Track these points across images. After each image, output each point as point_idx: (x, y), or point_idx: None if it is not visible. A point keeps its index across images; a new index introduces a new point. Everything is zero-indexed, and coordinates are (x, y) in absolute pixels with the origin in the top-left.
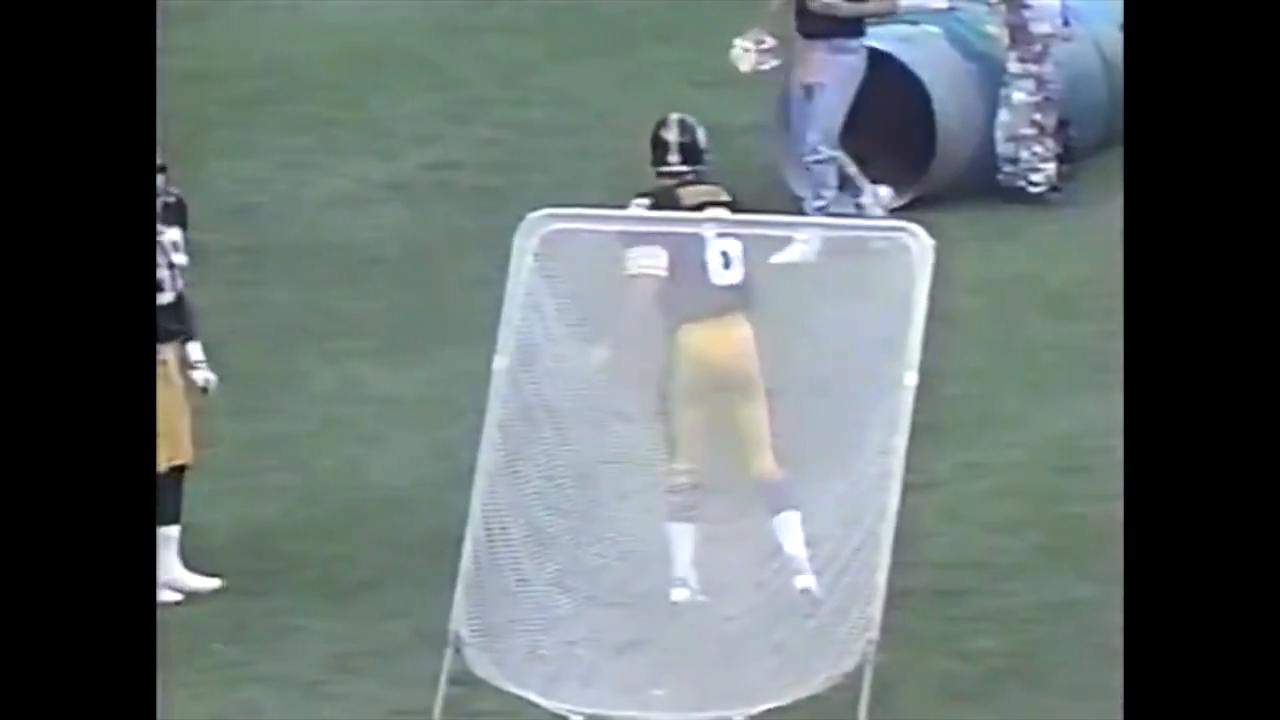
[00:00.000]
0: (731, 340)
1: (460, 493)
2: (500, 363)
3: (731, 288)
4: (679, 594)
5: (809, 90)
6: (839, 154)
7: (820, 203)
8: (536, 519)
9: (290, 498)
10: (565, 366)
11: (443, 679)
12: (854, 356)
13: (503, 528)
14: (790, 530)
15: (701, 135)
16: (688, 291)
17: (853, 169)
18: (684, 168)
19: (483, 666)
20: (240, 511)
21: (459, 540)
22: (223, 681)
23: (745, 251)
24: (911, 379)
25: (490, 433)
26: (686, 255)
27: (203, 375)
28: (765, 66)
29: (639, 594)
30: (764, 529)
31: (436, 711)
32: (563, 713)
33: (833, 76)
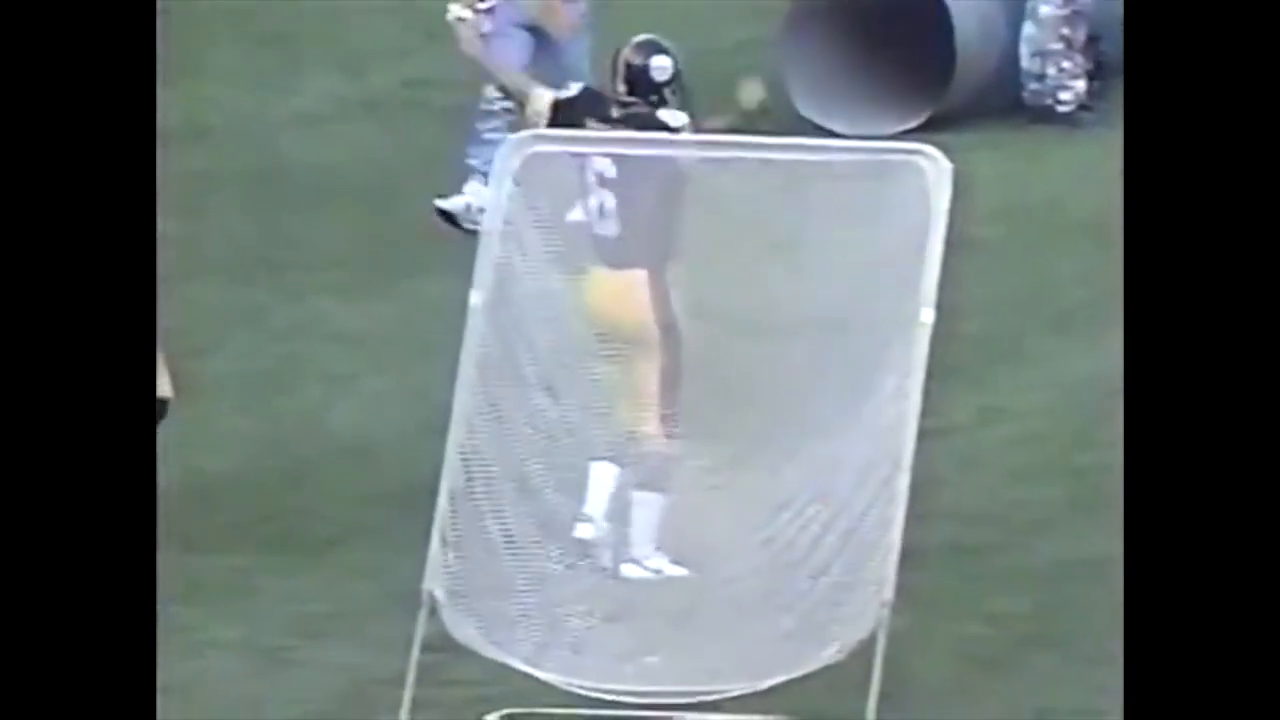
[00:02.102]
0: (610, 292)
1: (435, 439)
2: (477, 297)
3: (609, 240)
4: (584, 530)
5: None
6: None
7: (476, 161)
8: (520, 468)
9: (248, 445)
10: (549, 302)
11: (416, 644)
12: (864, 292)
13: (483, 478)
14: (645, 514)
15: (663, 64)
16: (581, 237)
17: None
18: (629, 97)
19: (461, 630)
20: (192, 461)
21: (434, 492)
22: (175, 647)
23: (625, 205)
24: (928, 316)
25: (467, 373)
26: (577, 198)
27: None
28: (486, 29)
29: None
30: (769, 481)
31: (409, 679)
32: (551, 682)
33: (505, 20)
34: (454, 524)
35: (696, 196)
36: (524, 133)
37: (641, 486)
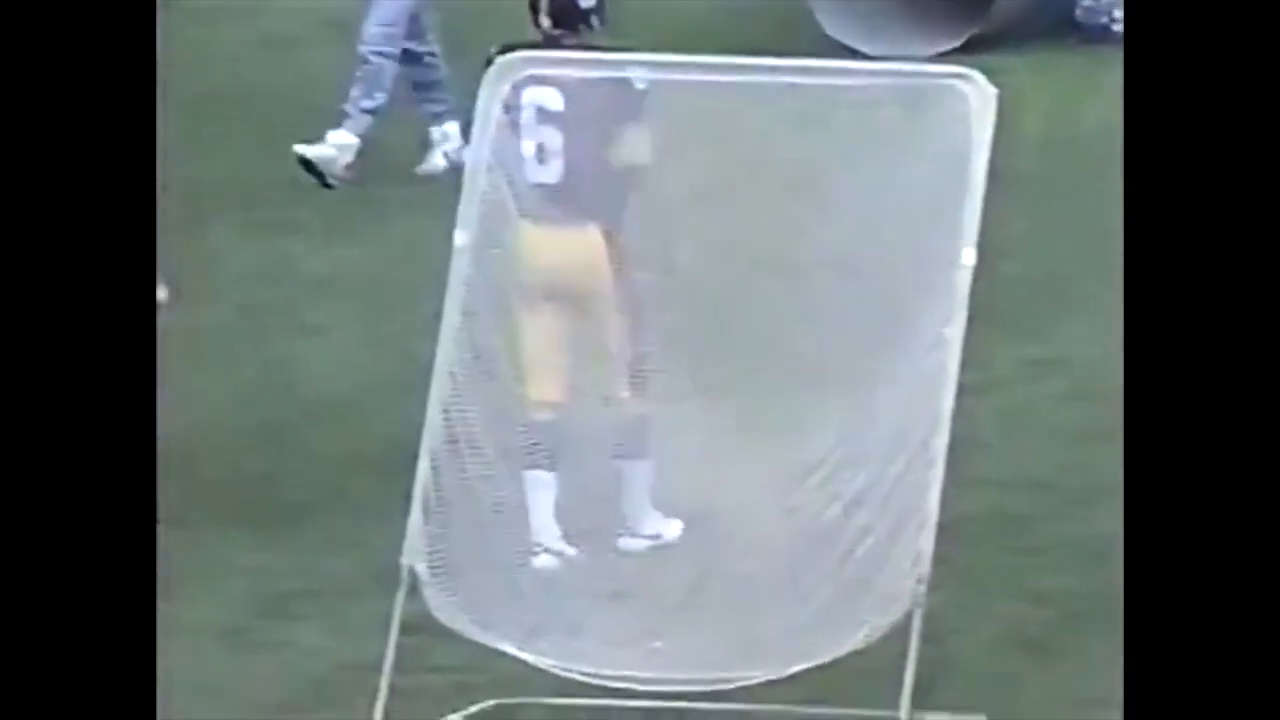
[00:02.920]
0: (553, 250)
1: (416, 396)
2: (462, 238)
3: (546, 188)
4: (542, 560)
5: None
6: (397, 53)
7: (370, 104)
8: (510, 430)
9: (207, 404)
10: None
11: (394, 625)
12: (897, 231)
13: (468, 439)
14: (632, 483)
15: None
16: (516, 183)
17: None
18: (555, 31)
19: (445, 610)
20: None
21: (415, 454)
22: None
23: (572, 146)
24: (969, 257)
25: (451, 322)
26: (508, 140)
27: None
28: None
29: None
30: (793, 442)
31: (387, 665)
32: (545, 668)
33: None
34: (437, 491)
35: (711, 126)
36: (512, 55)
37: (622, 455)
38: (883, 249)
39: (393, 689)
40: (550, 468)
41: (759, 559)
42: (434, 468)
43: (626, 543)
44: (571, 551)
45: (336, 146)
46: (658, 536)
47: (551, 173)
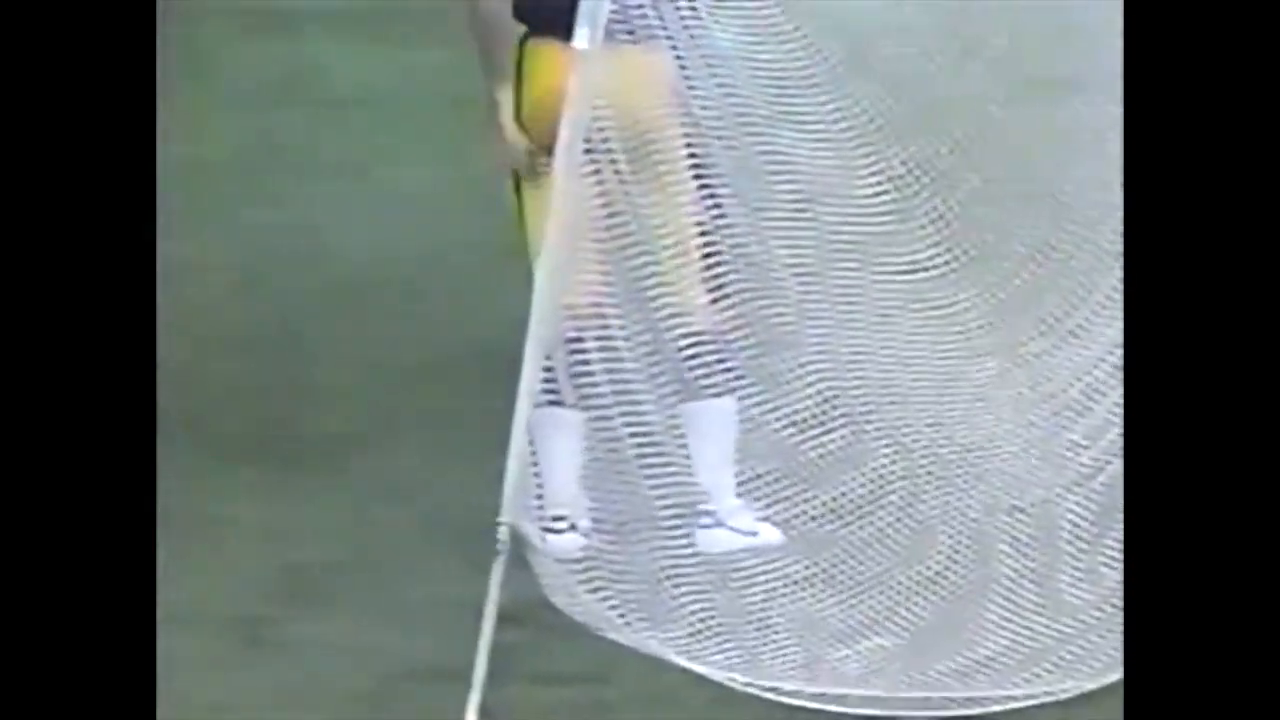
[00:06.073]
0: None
1: (504, 271)
2: (584, 39)
3: None
4: (565, 539)
5: None
6: None
7: None
8: (661, 343)
9: (220, 319)
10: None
11: (489, 615)
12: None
13: (618, 347)
14: (715, 436)
15: None
16: None
17: None
18: None
19: (565, 593)
20: None
21: (506, 362)
22: None
23: None
24: None
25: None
26: None
27: None
28: None
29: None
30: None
31: (478, 674)
32: (719, 680)
33: None
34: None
35: None
36: None
37: (696, 393)
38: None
39: (484, 709)
40: (721, 390)
41: (1000, 534)
42: (545, 376)
43: (709, 536)
44: (768, 533)
45: None
46: (753, 534)
47: None
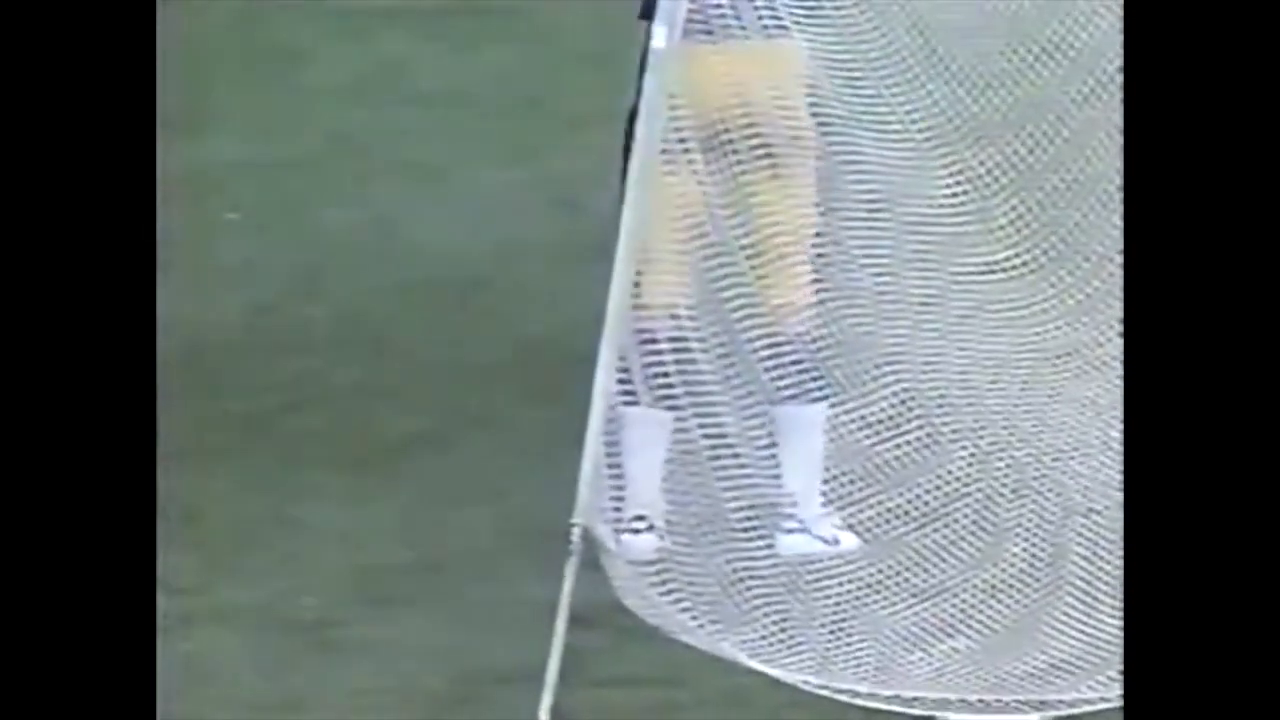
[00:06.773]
0: (723, 69)
1: (585, 265)
2: (661, 37)
3: None
4: (642, 540)
5: None
6: None
7: None
8: (748, 340)
9: (292, 318)
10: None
11: (561, 618)
12: None
13: (692, 348)
14: (803, 441)
15: None
16: None
17: None
18: None
19: (639, 596)
20: (188, 310)
21: (580, 358)
22: (164, 623)
23: None
24: None
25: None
26: None
27: None
28: None
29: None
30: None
31: (550, 675)
32: (792, 682)
33: None
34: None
35: None
36: None
37: (789, 398)
38: None
39: (556, 712)
40: (812, 396)
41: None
42: (621, 369)
43: (791, 543)
44: (848, 540)
45: None
46: (834, 542)
47: None
